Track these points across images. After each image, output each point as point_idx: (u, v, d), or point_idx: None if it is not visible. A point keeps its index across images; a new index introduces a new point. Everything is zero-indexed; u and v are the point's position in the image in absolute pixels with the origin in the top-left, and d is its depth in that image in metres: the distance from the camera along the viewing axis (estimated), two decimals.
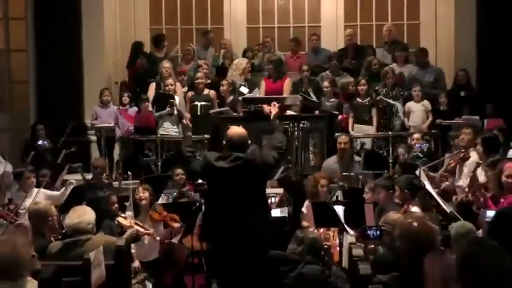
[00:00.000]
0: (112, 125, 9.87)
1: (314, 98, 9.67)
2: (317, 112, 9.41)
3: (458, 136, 7.87)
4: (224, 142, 5.64)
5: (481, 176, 7.02)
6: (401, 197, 6.47)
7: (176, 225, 6.73)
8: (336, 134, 9.00)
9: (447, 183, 7.46)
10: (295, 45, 11.50)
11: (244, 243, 5.23)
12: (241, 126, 5.95)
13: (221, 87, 9.84)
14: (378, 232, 5.04)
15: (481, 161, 7.17)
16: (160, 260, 6.66)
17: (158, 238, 6.49)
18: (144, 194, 6.70)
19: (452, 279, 3.22)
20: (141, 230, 6.26)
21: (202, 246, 6.78)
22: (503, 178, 6.06)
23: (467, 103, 9.77)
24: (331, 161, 8.66)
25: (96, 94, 10.43)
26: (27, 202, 6.76)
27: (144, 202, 6.67)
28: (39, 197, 6.91)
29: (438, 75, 10.60)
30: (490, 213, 5.42)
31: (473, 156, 7.38)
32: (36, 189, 7.17)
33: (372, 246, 5.07)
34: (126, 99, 10.29)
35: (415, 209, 6.33)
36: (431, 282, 3.39)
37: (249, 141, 5.76)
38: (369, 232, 5.05)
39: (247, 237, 5.24)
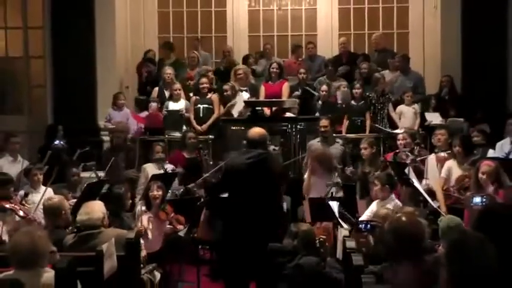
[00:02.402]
0: None
1: (315, 93, 9.79)
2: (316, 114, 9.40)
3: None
4: (245, 142, 5.78)
5: (455, 174, 7.04)
6: (382, 192, 6.49)
7: (180, 227, 6.83)
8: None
9: None
10: (296, 51, 11.53)
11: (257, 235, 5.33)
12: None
13: (225, 93, 9.84)
14: (369, 226, 5.10)
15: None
16: (166, 251, 6.69)
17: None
18: (158, 192, 6.82)
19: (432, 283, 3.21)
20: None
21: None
22: (479, 175, 6.06)
23: (452, 106, 9.78)
24: (315, 141, 8.61)
25: (108, 98, 10.45)
26: (35, 197, 6.80)
27: (157, 201, 6.77)
28: (47, 193, 6.93)
29: (417, 81, 10.52)
30: (476, 200, 5.42)
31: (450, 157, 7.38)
32: (43, 187, 7.15)
33: (364, 239, 5.10)
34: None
35: (396, 203, 6.36)
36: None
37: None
38: (360, 226, 5.11)
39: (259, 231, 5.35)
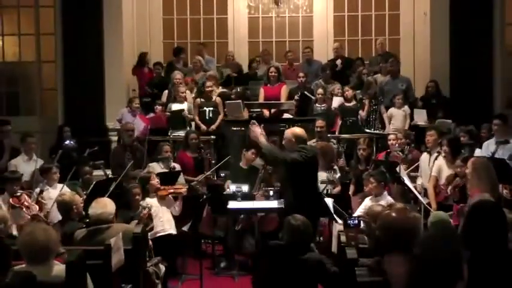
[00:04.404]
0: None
1: (312, 97, 9.80)
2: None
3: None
4: (294, 140, 6.17)
5: (444, 173, 7.04)
6: (377, 189, 6.50)
7: (183, 190, 7.18)
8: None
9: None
10: (287, 57, 11.55)
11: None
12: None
13: (232, 96, 9.88)
14: (356, 221, 5.13)
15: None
16: (173, 245, 6.72)
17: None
18: (157, 180, 7.08)
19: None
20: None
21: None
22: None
23: (439, 109, 9.78)
24: (311, 142, 8.61)
25: (116, 100, 10.49)
26: (51, 194, 6.88)
27: (155, 187, 7.00)
28: (63, 190, 6.98)
29: (409, 85, 10.55)
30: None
31: (439, 157, 7.35)
32: (59, 185, 7.20)
33: (352, 234, 5.12)
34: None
35: (389, 199, 6.38)
36: (394, 280, 3.35)
37: None
38: (349, 222, 5.13)
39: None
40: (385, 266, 3.41)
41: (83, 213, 5.93)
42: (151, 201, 6.87)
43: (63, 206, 5.75)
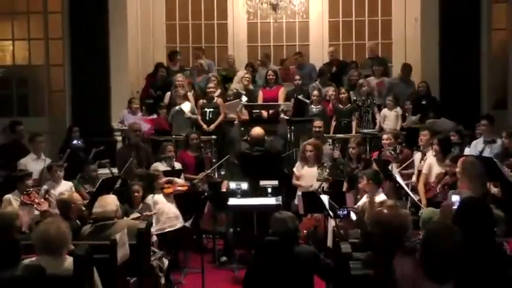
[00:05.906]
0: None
1: (306, 100, 9.77)
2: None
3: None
4: (248, 138, 7.17)
5: (435, 171, 7.04)
6: (369, 185, 6.50)
7: (185, 188, 7.33)
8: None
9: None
10: (283, 64, 11.58)
11: None
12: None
13: (228, 98, 9.87)
14: (345, 212, 5.15)
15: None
16: (176, 240, 6.72)
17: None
18: (164, 179, 7.13)
19: (421, 277, 3.19)
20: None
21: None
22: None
23: (429, 109, 9.78)
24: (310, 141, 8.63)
25: (121, 102, 10.46)
26: (57, 191, 6.87)
27: (162, 185, 7.06)
28: (67, 187, 7.01)
29: (414, 88, 10.58)
30: (455, 197, 5.36)
31: (429, 156, 7.35)
32: (64, 182, 7.21)
33: (341, 224, 5.15)
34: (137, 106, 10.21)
35: (382, 196, 6.36)
36: (402, 281, 3.35)
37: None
38: (339, 212, 5.15)
39: None
40: (395, 267, 3.41)
41: (83, 209, 5.92)
42: (158, 198, 6.89)
43: (61, 204, 5.68)
